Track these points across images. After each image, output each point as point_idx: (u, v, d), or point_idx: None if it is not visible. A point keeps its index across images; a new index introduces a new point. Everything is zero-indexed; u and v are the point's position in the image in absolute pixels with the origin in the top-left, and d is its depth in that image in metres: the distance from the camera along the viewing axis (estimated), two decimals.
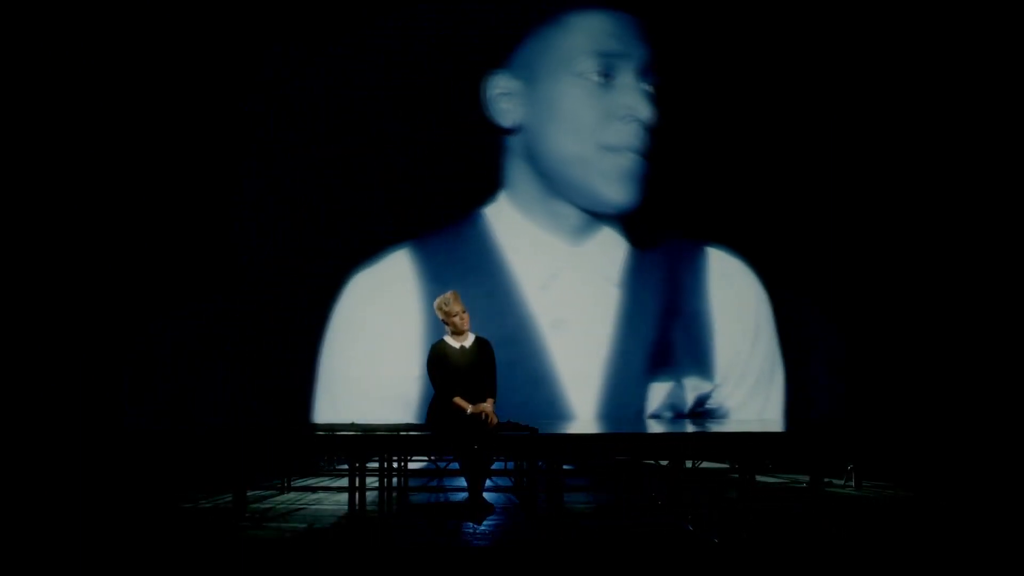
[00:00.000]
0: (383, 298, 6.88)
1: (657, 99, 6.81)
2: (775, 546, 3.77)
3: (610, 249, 6.99)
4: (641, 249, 7.00)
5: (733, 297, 7.04)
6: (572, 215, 6.93)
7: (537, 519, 4.49)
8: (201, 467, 5.71)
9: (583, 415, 6.81)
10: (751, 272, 7.08)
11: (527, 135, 6.92)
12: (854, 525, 4.24)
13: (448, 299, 4.68)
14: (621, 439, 4.81)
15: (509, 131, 6.92)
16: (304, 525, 4.46)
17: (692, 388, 6.92)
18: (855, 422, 6.63)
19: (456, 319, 4.66)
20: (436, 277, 6.80)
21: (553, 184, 6.89)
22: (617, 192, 6.82)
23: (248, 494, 5.25)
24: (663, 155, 6.84)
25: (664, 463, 5.48)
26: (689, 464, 5.77)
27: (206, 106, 6.89)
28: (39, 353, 6.17)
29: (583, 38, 6.88)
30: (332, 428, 5.32)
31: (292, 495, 5.63)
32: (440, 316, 4.72)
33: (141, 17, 6.71)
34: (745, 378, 6.97)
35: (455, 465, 5.12)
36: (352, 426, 5.24)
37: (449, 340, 4.72)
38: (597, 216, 6.96)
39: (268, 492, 5.70)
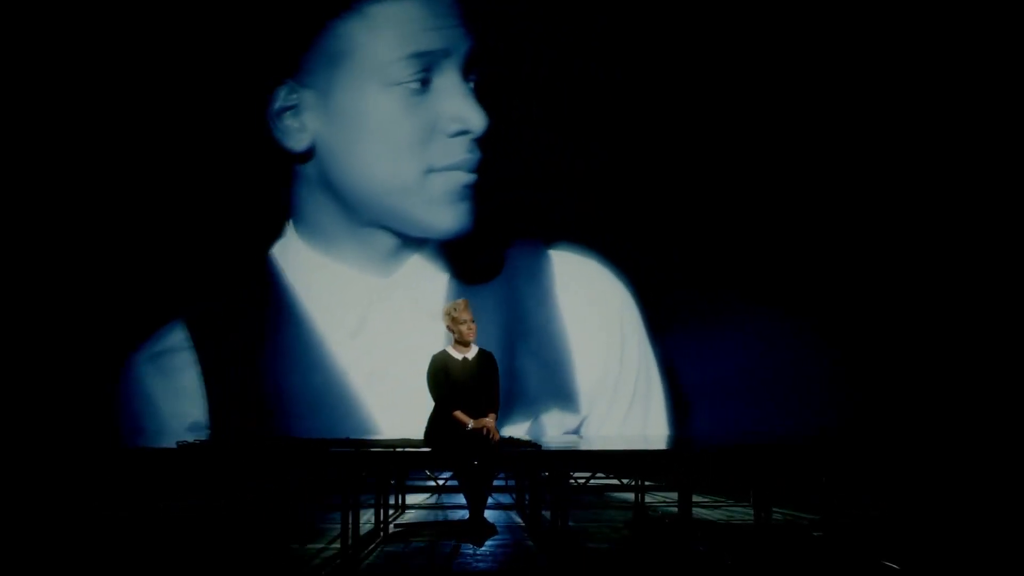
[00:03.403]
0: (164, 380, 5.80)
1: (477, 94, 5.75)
2: (789, 567, 3.61)
3: (429, 275, 5.88)
4: (465, 271, 5.89)
5: (589, 304, 5.98)
6: (383, 242, 5.84)
7: (541, 539, 4.30)
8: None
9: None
10: (608, 271, 6.06)
11: (322, 159, 5.73)
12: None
13: (458, 306, 4.53)
14: (627, 456, 4.63)
15: (300, 157, 5.72)
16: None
17: (554, 425, 5.85)
18: (866, 438, 6.38)
19: (464, 327, 4.50)
20: (220, 344, 5.75)
21: (359, 216, 5.78)
22: (447, 219, 5.71)
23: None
24: (490, 160, 5.76)
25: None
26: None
27: None
28: None
29: (391, 35, 5.69)
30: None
31: None
32: (446, 322, 4.56)
33: None
34: (619, 397, 5.97)
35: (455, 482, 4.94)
36: (346, 441, 5.00)
37: (451, 351, 4.56)
38: (413, 240, 5.87)
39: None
